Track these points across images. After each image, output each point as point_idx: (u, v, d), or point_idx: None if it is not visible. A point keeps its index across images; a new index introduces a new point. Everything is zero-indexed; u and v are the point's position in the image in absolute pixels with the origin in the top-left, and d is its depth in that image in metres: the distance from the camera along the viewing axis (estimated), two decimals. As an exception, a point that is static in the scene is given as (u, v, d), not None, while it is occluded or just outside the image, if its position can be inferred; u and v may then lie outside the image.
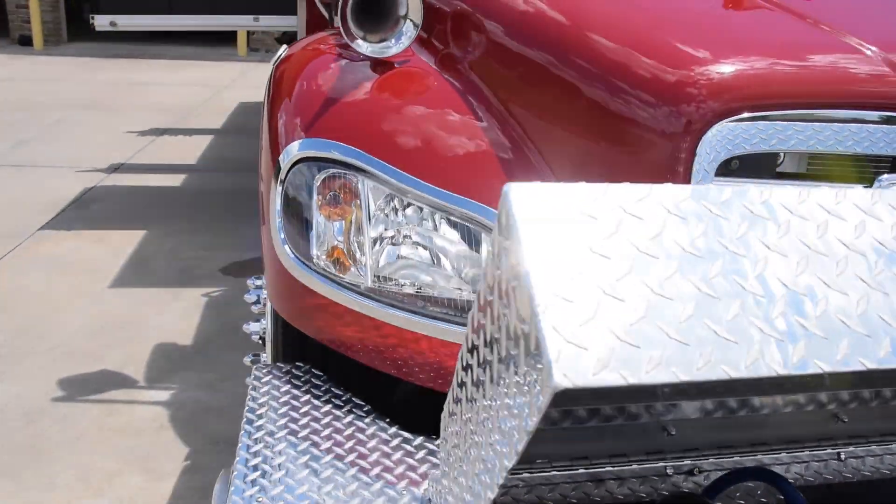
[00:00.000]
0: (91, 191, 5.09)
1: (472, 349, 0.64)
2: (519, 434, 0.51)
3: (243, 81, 10.78)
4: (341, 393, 1.27)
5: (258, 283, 2.15)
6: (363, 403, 1.24)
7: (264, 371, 1.33)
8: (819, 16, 1.13)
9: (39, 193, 4.93)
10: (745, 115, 0.98)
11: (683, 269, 0.51)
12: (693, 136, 1.00)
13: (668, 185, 0.55)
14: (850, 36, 1.08)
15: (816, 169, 1.07)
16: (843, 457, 0.98)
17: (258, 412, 1.19)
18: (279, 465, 1.06)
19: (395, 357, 1.18)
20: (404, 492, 1.01)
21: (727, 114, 0.99)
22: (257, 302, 2.08)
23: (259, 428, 1.14)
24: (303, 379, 1.30)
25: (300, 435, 1.13)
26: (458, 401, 0.73)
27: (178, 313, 3.41)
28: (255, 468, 1.05)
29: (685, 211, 0.53)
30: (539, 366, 0.47)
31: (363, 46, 1.31)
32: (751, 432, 0.99)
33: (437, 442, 1.09)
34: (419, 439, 1.14)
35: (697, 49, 1.05)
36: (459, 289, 1.17)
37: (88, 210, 4.72)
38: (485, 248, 1.18)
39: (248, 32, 11.67)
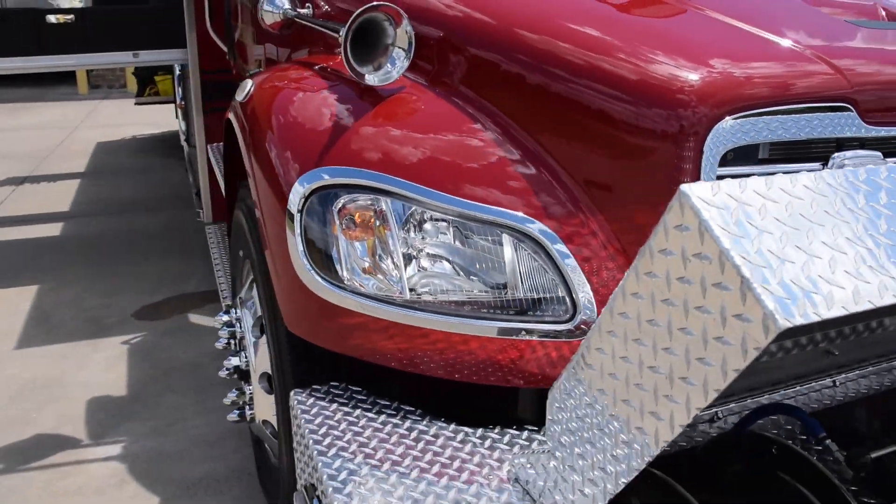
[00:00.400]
0: (-40, 249, 4.67)
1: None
2: (718, 378, 0.65)
3: (94, 121, 10.17)
4: (388, 402, 1.34)
5: (226, 318, 2.14)
6: (412, 409, 1.33)
7: (305, 395, 1.37)
8: (773, 28, 1.37)
9: None
10: (738, 115, 1.19)
11: (833, 230, 0.67)
12: (700, 135, 1.19)
13: (807, 174, 0.72)
14: (804, 46, 1.33)
15: (777, 153, 1.29)
16: (837, 383, 1.20)
17: (321, 433, 1.24)
18: (367, 479, 1.12)
19: (446, 360, 1.27)
20: (490, 481, 1.12)
21: (724, 115, 1.19)
22: (233, 337, 2.08)
23: (331, 447, 1.20)
24: (346, 396, 1.37)
25: (371, 446, 1.20)
26: (586, 371, 0.85)
27: (101, 365, 3.24)
28: (344, 484, 1.11)
29: (824, 190, 0.70)
30: (754, 316, 0.61)
31: (370, 79, 1.39)
32: (768, 375, 1.19)
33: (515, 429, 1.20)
34: (479, 430, 1.25)
35: (698, 63, 1.25)
36: (493, 288, 1.29)
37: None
38: (508, 248, 1.30)
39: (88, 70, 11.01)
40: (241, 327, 2.05)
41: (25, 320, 3.67)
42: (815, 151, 1.29)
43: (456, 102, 1.47)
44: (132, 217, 5.46)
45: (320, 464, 1.16)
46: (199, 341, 3.48)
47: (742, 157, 1.24)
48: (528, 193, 1.31)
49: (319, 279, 1.34)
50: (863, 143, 1.33)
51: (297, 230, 1.36)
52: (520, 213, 1.28)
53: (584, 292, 1.26)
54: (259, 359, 1.91)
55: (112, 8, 4.18)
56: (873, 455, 1.11)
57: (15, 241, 4.90)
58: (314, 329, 1.40)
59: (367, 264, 1.34)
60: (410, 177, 1.33)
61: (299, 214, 1.37)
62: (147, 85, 7.43)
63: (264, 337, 1.88)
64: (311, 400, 1.35)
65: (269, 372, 1.86)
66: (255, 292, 1.98)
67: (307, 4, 1.86)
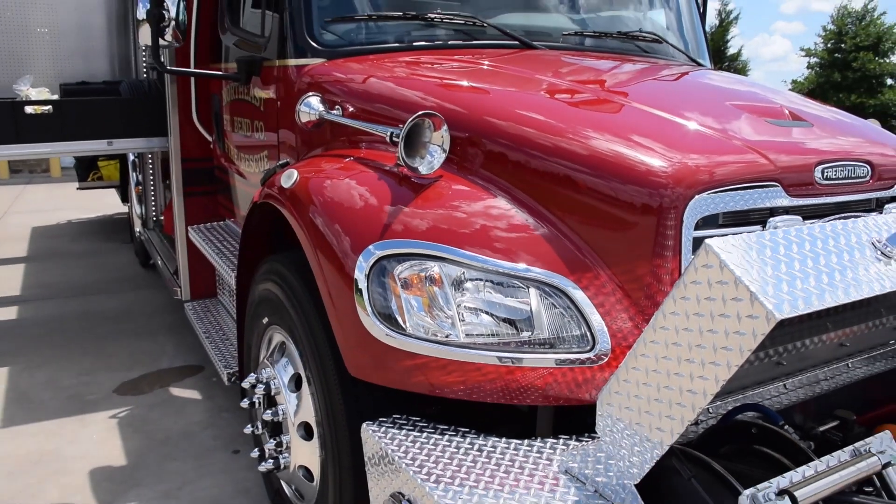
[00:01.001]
0: (-84, 336, 4.62)
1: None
2: (737, 357, 1.03)
3: (22, 206, 10.06)
4: (446, 426, 1.66)
5: (253, 379, 2.38)
6: (467, 429, 1.65)
7: (376, 426, 1.66)
8: (720, 129, 1.85)
9: None
10: (704, 194, 1.64)
11: (799, 263, 1.07)
12: (677, 207, 1.62)
13: (785, 227, 1.14)
14: (743, 141, 1.81)
15: (729, 220, 1.74)
16: (787, 387, 1.62)
17: (401, 450, 1.54)
18: (453, 480, 1.42)
19: (495, 388, 1.60)
20: (546, 474, 1.45)
21: (696, 194, 1.63)
22: (263, 396, 2.32)
23: (414, 460, 1.49)
24: (410, 424, 1.67)
25: (447, 456, 1.51)
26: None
27: (93, 439, 3.34)
28: (437, 484, 1.42)
29: (794, 234, 1.11)
30: (760, 314, 0.99)
31: (420, 170, 1.76)
32: (740, 381, 1.59)
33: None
34: (525, 441, 1.57)
35: (676, 157, 1.69)
36: (528, 329, 1.64)
37: (-75, 356, 4.30)
38: (535, 298, 1.67)
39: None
40: (273, 386, 2.30)
41: (4, 401, 3.71)
42: (756, 217, 1.75)
43: (481, 184, 1.86)
44: (88, 300, 5.50)
45: (411, 472, 1.46)
46: (185, 412, 3.62)
47: (707, 223, 1.68)
48: (550, 254, 1.70)
49: (387, 329, 1.66)
50: (787, 211, 1.80)
51: (365, 292, 1.69)
52: (546, 270, 1.66)
53: (601, 328, 1.63)
54: (297, 410, 2.17)
55: (88, 100, 4.42)
56: (820, 429, 1.50)
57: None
58: (380, 372, 1.71)
59: (424, 316, 1.67)
60: (453, 244, 1.70)
61: (366, 279, 1.69)
62: (90, 170, 7.53)
63: (302, 391, 2.15)
64: (383, 429, 1.65)
65: (309, 420, 2.12)
66: (289, 352, 2.25)
67: (336, 107, 2.23)
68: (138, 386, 3.95)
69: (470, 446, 1.57)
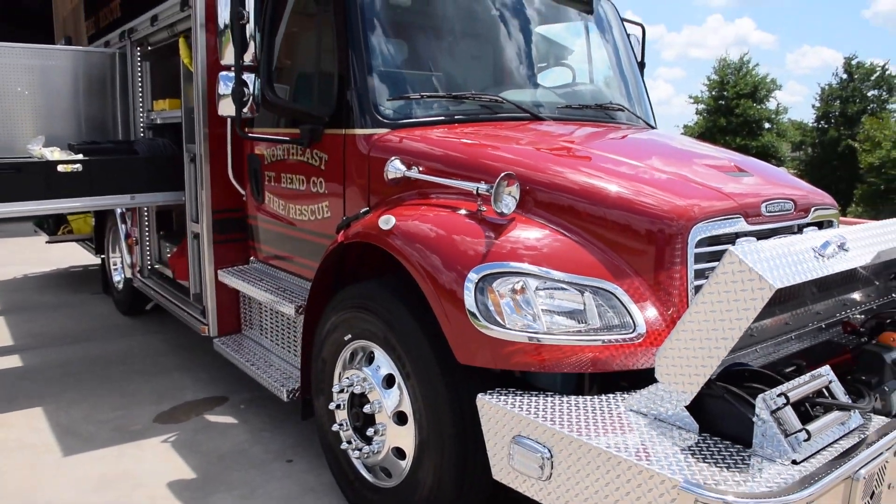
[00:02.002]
0: (-66, 386, 4.82)
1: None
2: (752, 313, 1.78)
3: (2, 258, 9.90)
4: (535, 393, 2.34)
5: (346, 382, 2.98)
6: (552, 392, 2.34)
7: (490, 396, 2.32)
8: (700, 179, 2.68)
9: None
10: (699, 224, 2.44)
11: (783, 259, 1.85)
12: (682, 232, 2.41)
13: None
14: (719, 189, 2.64)
15: (713, 242, 2.54)
16: (758, 350, 2.41)
17: (530, 413, 2.20)
18: (570, 428, 2.11)
19: (572, 362, 2.30)
20: (623, 412, 2.15)
21: (694, 225, 2.42)
22: (353, 395, 2.92)
23: (540, 418, 2.16)
24: (515, 393, 2.34)
25: (556, 410, 2.19)
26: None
27: (156, 459, 3.76)
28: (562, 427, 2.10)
29: (774, 245, 1.89)
30: (764, 286, 1.74)
31: (504, 213, 2.47)
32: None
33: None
34: (601, 395, 2.28)
35: (680, 200, 2.48)
36: (592, 319, 2.36)
37: (-45, 402, 4.54)
38: (590, 298, 2.39)
39: None
40: (363, 387, 2.91)
41: (53, 436, 4.04)
42: (727, 239, 2.56)
43: (541, 221, 2.59)
44: (85, 346, 5.78)
45: (531, 418, 2.13)
46: (228, 434, 4.09)
47: (701, 244, 2.47)
48: (599, 267, 2.43)
49: (491, 326, 2.34)
50: (746, 234, 2.63)
51: (473, 302, 2.36)
52: (598, 278, 2.41)
53: (638, 317, 2.37)
54: (391, 403, 2.79)
55: (113, 159, 4.88)
56: (786, 370, 2.28)
57: (-17, 374, 5.10)
58: (486, 358, 2.36)
59: (515, 315, 2.37)
60: (531, 263, 2.41)
61: (473, 293, 2.37)
62: (60, 224, 7.74)
63: (395, 387, 2.78)
64: (496, 396, 2.31)
65: (404, 409, 2.75)
66: (379, 359, 2.87)
67: (413, 167, 2.90)
68: (174, 416, 4.37)
69: (559, 401, 2.26)
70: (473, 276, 2.39)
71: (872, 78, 25.57)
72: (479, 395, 2.36)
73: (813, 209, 2.96)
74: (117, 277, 6.97)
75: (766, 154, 24.30)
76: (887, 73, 25.48)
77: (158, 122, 5.70)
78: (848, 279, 2.93)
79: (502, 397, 2.31)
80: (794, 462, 1.83)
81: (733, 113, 24.79)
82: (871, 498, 1.91)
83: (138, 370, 5.18)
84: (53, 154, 5.03)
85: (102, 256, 7.41)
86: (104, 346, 5.80)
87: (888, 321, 2.72)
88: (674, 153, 3.25)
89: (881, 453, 1.94)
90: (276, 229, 4.01)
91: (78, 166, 4.65)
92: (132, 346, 5.79)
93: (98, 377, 5.01)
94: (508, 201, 2.53)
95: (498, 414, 2.26)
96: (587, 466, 1.97)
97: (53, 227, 7.78)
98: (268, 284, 3.97)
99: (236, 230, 4.45)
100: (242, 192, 4.29)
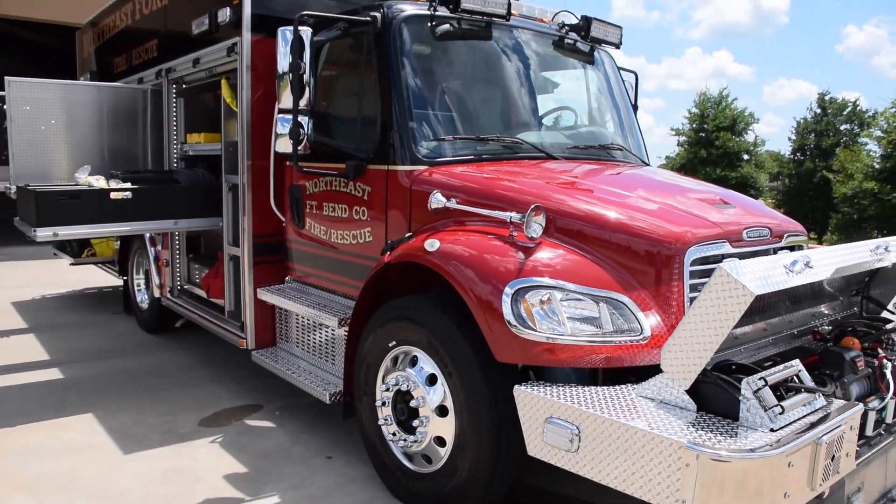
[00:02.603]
0: (-11, 395, 5.22)
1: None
2: (735, 318, 2.29)
3: (5, 280, 10.22)
4: (563, 384, 2.85)
5: (393, 381, 3.47)
6: (576, 384, 2.84)
7: (526, 387, 2.82)
8: (693, 210, 3.22)
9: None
10: (692, 247, 2.98)
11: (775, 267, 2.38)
12: (680, 253, 2.95)
13: (755, 259, 2.44)
14: (706, 218, 3.19)
15: (703, 263, 3.08)
16: (742, 350, 2.94)
17: (559, 397, 2.71)
18: (599, 409, 2.63)
19: (591, 359, 2.82)
20: (635, 398, 2.66)
21: (688, 249, 2.97)
22: (398, 393, 3.41)
23: (568, 400, 2.67)
24: (544, 385, 2.84)
25: (583, 397, 2.70)
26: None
27: (209, 457, 4.19)
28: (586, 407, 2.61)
29: (749, 264, 2.41)
30: (741, 296, 2.27)
31: (534, 237, 3.00)
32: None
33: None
34: (617, 386, 2.79)
35: (677, 229, 3.03)
36: (602, 325, 2.88)
37: (1, 409, 4.93)
38: (604, 307, 2.92)
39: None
40: (407, 386, 3.40)
41: (110, 438, 4.46)
42: (715, 259, 3.10)
43: (563, 244, 3.12)
44: (118, 361, 6.18)
45: (560, 400, 2.63)
46: (269, 436, 4.53)
47: (693, 263, 3.01)
48: (611, 282, 2.96)
49: (525, 330, 2.86)
50: (731, 256, 3.17)
51: (510, 311, 2.87)
52: (612, 291, 2.94)
53: (645, 323, 2.90)
54: (434, 398, 3.28)
55: (159, 188, 5.37)
56: (764, 364, 2.81)
57: (27, 384, 5.49)
58: (521, 356, 2.87)
59: (544, 321, 2.88)
60: (557, 278, 2.94)
61: (510, 303, 2.88)
62: (84, 247, 8.17)
63: (437, 385, 3.27)
64: (531, 387, 2.81)
65: (445, 404, 3.24)
66: (422, 361, 3.36)
67: (451, 199, 3.43)
68: (216, 421, 4.81)
69: (580, 390, 2.77)
70: (509, 290, 2.91)
71: (845, 113, 26.73)
72: (516, 387, 2.86)
73: (786, 235, 3.53)
74: (141, 298, 7.40)
75: (746, 184, 25.14)
76: (858, 108, 26.68)
77: (191, 153, 6.21)
78: (816, 295, 3.49)
79: (535, 387, 2.82)
80: (771, 430, 2.35)
81: (713, 145, 25.69)
82: (832, 460, 2.43)
83: (174, 382, 5.60)
84: (99, 182, 5.52)
85: (125, 278, 7.84)
86: (136, 360, 6.22)
87: (849, 329, 3.27)
88: (669, 188, 3.82)
89: (840, 426, 2.47)
90: (315, 252, 4.51)
91: (128, 194, 5.14)
92: (162, 361, 6.21)
93: (138, 388, 5.43)
94: (536, 228, 3.07)
95: (532, 400, 2.77)
96: (610, 437, 2.48)
97: (77, 250, 8.22)
98: (307, 300, 4.45)
99: (274, 253, 4.93)
100: (283, 218, 4.79)
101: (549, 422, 2.69)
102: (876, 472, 2.90)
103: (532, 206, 3.03)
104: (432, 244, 3.25)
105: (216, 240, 6.50)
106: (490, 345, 2.96)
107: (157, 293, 6.65)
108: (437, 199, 3.43)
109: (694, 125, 27.14)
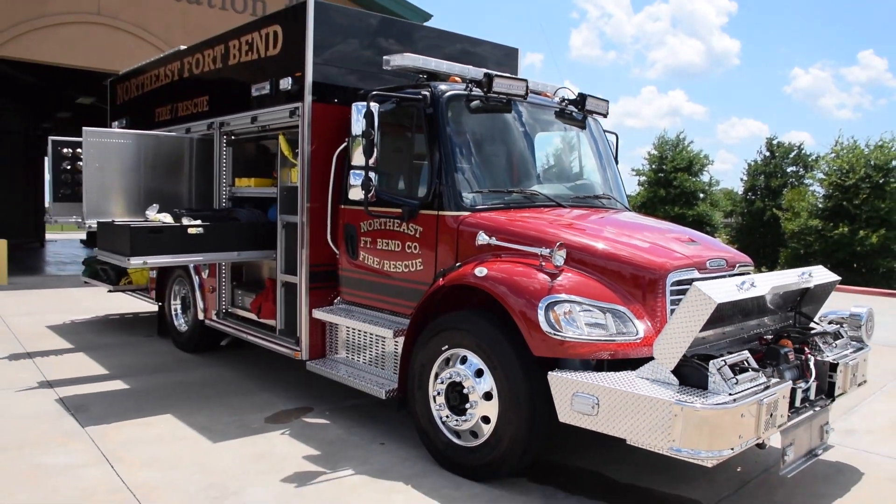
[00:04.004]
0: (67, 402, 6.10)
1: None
2: (700, 323, 3.42)
3: (9, 309, 10.91)
4: (583, 369, 3.96)
5: (448, 375, 4.55)
6: (596, 370, 3.96)
7: (559, 372, 3.93)
8: (670, 244, 4.39)
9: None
10: (671, 273, 4.14)
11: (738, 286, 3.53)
12: (663, 277, 4.10)
13: (739, 280, 3.58)
14: (680, 251, 4.38)
15: (681, 286, 4.24)
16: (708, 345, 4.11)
17: (583, 377, 3.82)
18: (628, 386, 3.75)
19: (601, 353, 3.93)
20: (639, 377, 3.79)
21: (668, 275, 4.12)
22: (451, 384, 4.49)
23: (591, 379, 3.78)
24: (571, 372, 3.95)
25: (600, 378, 3.81)
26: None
27: (283, 444, 5.15)
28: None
29: (721, 283, 3.54)
30: (707, 304, 3.40)
31: (559, 265, 4.13)
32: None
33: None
34: (623, 372, 3.91)
35: (660, 260, 4.18)
36: (608, 328, 4.01)
37: (90, 411, 5.83)
38: (609, 315, 4.05)
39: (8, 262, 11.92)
40: (458, 378, 4.46)
41: (195, 431, 5.38)
42: (688, 283, 4.24)
43: (579, 270, 4.26)
44: (169, 375, 7.06)
45: (585, 379, 3.74)
46: (328, 430, 5.51)
47: (673, 285, 4.17)
48: (614, 297, 4.11)
49: (554, 332, 3.96)
50: (699, 279, 4.35)
51: (543, 319, 3.98)
52: (615, 304, 4.08)
53: (639, 327, 4.03)
54: (481, 387, 4.36)
55: (224, 224, 6.39)
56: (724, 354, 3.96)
57: (101, 392, 6.36)
58: (552, 351, 3.97)
59: (568, 326, 4.00)
60: (576, 294, 4.07)
61: (543, 313, 3.99)
62: (121, 276, 9.06)
63: (483, 377, 4.35)
64: (562, 372, 3.92)
65: (490, 390, 4.32)
66: (470, 361, 4.43)
67: (492, 237, 4.54)
68: (279, 419, 5.78)
69: (595, 373, 3.88)
70: (542, 304, 4.03)
71: (791, 156, 28.95)
72: (550, 373, 3.96)
73: (737, 265, 4.74)
74: (178, 321, 8.31)
75: (702, 221, 26.83)
76: (803, 152, 28.93)
77: (238, 195, 7.25)
78: (762, 310, 4.68)
79: (564, 373, 3.93)
80: (729, 394, 3.50)
81: (671, 185, 27.44)
82: (771, 416, 3.58)
83: (228, 391, 6.54)
84: (166, 219, 6.54)
85: (160, 304, 8.74)
86: (185, 374, 7.12)
87: (784, 334, 4.47)
88: (651, 229, 5.01)
89: (775, 394, 3.63)
90: (367, 278, 5.57)
91: (201, 229, 6.15)
92: (208, 375, 7.12)
93: (199, 395, 6.35)
94: (559, 259, 4.21)
95: (563, 381, 3.88)
96: (620, 402, 3.60)
97: (115, 278, 9.10)
98: (362, 317, 5.51)
99: (326, 279, 5.97)
100: (337, 251, 5.85)
101: (576, 395, 3.80)
102: (803, 434, 4.08)
103: (557, 243, 4.18)
104: (481, 271, 4.37)
105: (257, 269, 7.54)
106: (529, 344, 4.06)
107: (200, 316, 7.59)
108: (483, 238, 4.56)
109: (653, 166, 28.92)
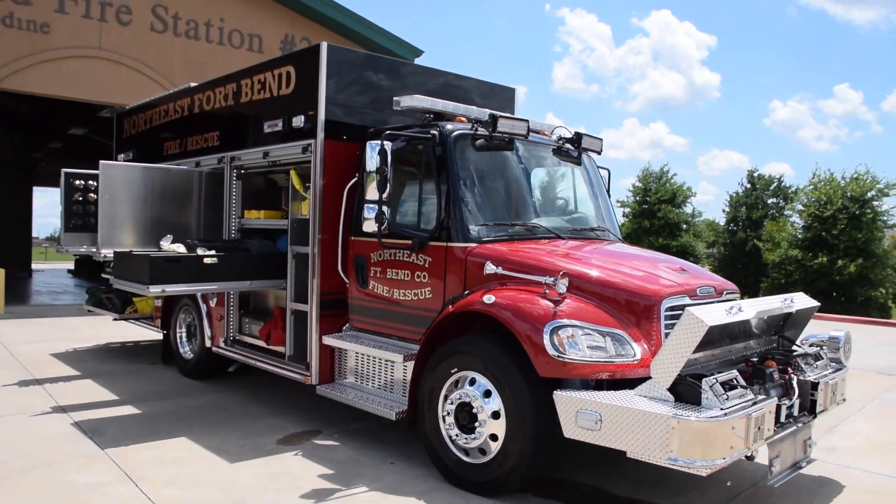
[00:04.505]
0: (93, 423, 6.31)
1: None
2: (693, 346, 3.76)
3: (10, 338, 11.05)
4: (594, 389, 4.28)
5: (458, 397, 4.85)
6: (591, 391, 4.28)
7: (565, 392, 4.24)
8: (663, 272, 4.75)
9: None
10: (665, 298, 4.50)
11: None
12: (658, 303, 4.46)
13: (728, 305, 3.93)
14: (673, 279, 4.73)
15: (674, 311, 4.59)
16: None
17: (586, 396, 4.14)
18: (633, 404, 4.08)
19: (601, 373, 4.26)
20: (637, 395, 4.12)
21: (663, 300, 4.48)
22: (461, 405, 4.79)
23: (594, 397, 4.11)
24: (579, 390, 4.27)
25: (603, 397, 4.14)
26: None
27: (298, 464, 5.39)
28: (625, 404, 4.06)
29: (713, 308, 3.90)
30: (700, 327, 3.74)
31: (562, 292, 4.46)
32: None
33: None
34: (623, 391, 4.23)
35: (655, 287, 4.55)
36: (607, 349, 4.34)
37: (106, 434, 6.04)
38: (609, 338, 4.39)
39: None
40: (467, 399, 4.76)
41: (211, 453, 5.61)
42: (680, 309, 4.59)
43: (580, 297, 4.61)
44: (177, 401, 7.25)
45: (587, 397, 4.06)
46: (338, 451, 5.76)
47: (667, 310, 4.53)
48: (613, 321, 4.45)
49: (558, 354, 4.29)
50: (690, 305, 4.70)
51: (549, 343, 4.31)
52: (613, 328, 4.41)
53: (637, 349, 4.36)
54: (490, 407, 4.66)
55: (236, 255, 6.69)
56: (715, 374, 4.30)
57: (114, 417, 6.57)
58: (556, 371, 4.29)
59: (571, 348, 4.32)
60: (577, 319, 4.41)
61: (548, 337, 4.33)
62: (126, 305, 9.29)
63: (492, 397, 4.65)
64: (566, 391, 4.23)
65: (498, 409, 4.62)
66: (479, 382, 4.74)
67: (499, 267, 4.88)
68: (290, 441, 6.02)
69: (596, 392, 4.21)
70: (547, 328, 4.36)
71: (771, 188, 29.81)
72: (556, 392, 4.28)
73: (724, 292, 5.11)
74: (184, 349, 8.53)
75: (685, 252, 27.38)
76: (783, 184, 29.83)
77: (247, 227, 7.57)
78: (748, 334, 5.03)
79: (568, 392, 4.25)
80: (720, 409, 3.83)
81: (655, 216, 28.04)
82: (759, 430, 3.92)
83: (237, 415, 6.77)
84: (179, 249, 6.83)
85: (164, 332, 8.96)
86: (193, 400, 7.33)
87: (769, 356, 4.83)
88: (646, 259, 5.38)
89: (762, 409, 3.97)
90: (376, 306, 5.88)
91: (216, 259, 6.45)
92: (215, 400, 7.35)
93: (209, 420, 6.57)
94: (563, 287, 4.55)
95: (568, 399, 4.19)
96: (621, 417, 3.92)
97: (121, 307, 9.32)
98: (372, 343, 5.81)
99: (335, 307, 6.27)
100: (346, 280, 6.16)
101: (580, 412, 4.12)
102: (788, 447, 4.41)
103: (560, 273, 4.53)
104: (489, 298, 4.71)
105: (263, 298, 7.82)
106: (535, 366, 4.38)
107: (208, 343, 7.84)
108: (490, 267, 4.90)
109: (637, 198, 29.56)
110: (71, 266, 31.06)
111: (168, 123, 9.02)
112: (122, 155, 10.25)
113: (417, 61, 19.21)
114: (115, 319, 9.47)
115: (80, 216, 8.75)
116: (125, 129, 10.41)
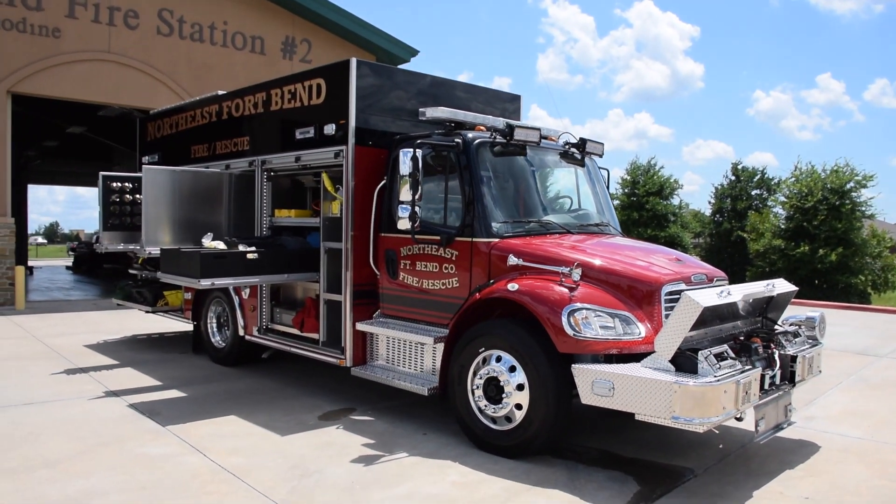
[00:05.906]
0: (147, 404, 6.97)
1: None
2: (687, 324, 4.50)
3: (41, 331, 11.66)
4: (606, 360, 5.02)
5: (485, 372, 5.58)
6: (604, 362, 5.01)
7: (582, 364, 4.97)
8: (662, 262, 5.47)
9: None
10: (665, 284, 5.23)
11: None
12: (659, 289, 5.19)
13: (723, 289, 4.67)
14: (670, 267, 5.47)
15: (671, 297, 5.32)
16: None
17: (601, 367, 4.87)
18: (643, 372, 4.81)
19: (612, 349, 4.99)
20: (645, 366, 4.85)
21: (664, 286, 5.21)
22: (488, 379, 5.52)
23: (609, 369, 4.84)
24: (594, 364, 5.00)
25: (615, 368, 4.87)
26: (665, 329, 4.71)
27: (341, 436, 6.09)
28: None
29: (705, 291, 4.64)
30: (696, 308, 4.47)
31: (577, 280, 5.18)
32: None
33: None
34: (630, 363, 4.96)
35: (655, 274, 5.27)
36: (617, 328, 5.07)
37: (162, 414, 6.71)
38: (618, 319, 5.12)
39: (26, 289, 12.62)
40: (495, 373, 5.48)
41: (262, 428, 6.29)
42: (678, 294, 5.34)
43: (593, 284, 5.33)
44: (214, 385, 7.91)
45: (602, 368, 4.79)
46: (373, 425, 6.44)
47: (666, 294, 5.27)
48: (621, 305, 5.17)
49: (575, 332, 5.01)
50: (685, 290, 5.43)
51: (567, 324, 5.03)
52: (622, 311, 5.14)
53: (641, 329, 5.08)
54: (515, 380, 5.38)
55: (276, 250, 7.37)
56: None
57: (164, 399, 7.22)
58: (573, 348, 5.01)
59: (585, 327, 5.05)
60: (591, 303, 5.13)
61: (566, 318, 5.04)
62: (158, 298, 9.92)
63: (516, 372, 5.37)
64: (581, 363, 4.96)
65: (522, 382, 5.34)
66: (505, 359, 5.46)
67: (520, 259, 5.59)
68: (329, 417, 6.72)
69: (608, 365, 4.94)
70: (565, 311, 5.09)
71: (755, 180, 30.79)
72: (574, 365, 5.01)
73: (715, 279, 5.87)
74: (216, 339, 9.19)
75: (673, 242, 28.23)
76: (766, 176, 30.77)
77: (277, 225, 8.23)
78: (736, 316, 5.78)
79: (585, 364, 4.99)
80: (714, 377, 4.58)
81: (644, 208, 28.86)
82: (746, 394, 4.67)
83: (275, 396, 7.45)
84: (219, 245, 7.49)
85: (195, 323, 9.60)
86: (230, 384, 8.00)
87: (754, 334, 5.59)
88: (645, 250, 6.12)
89: (748, 377, 4.72)
90: (406, 294, 6.58)
91: (256, 255, 7.12)
92: (251, 384, 8.02)
93: (252, 400, 7.25)
94: (577, 275, 5.28)
95: (585, 371, 4.93)
96: (631, 384, 4.65)
97: (152, 300, 9.96)
98: (403, 328, 6.51)
99: (367, 297, 6.96)
100: (378, 272, 6.86)
101: (595, 382, 4.85)
102: (771, 411, 5.18)
103: (574, 263, 5.26)
104: (513, 286, 5.43)
105: (292, 289, 8.50)
106: (555, 344, 5.11)
107: (241, 332, 8.51)
108: (513, 259, 5.62)
109: (626, 190, 30.40)
110: (69, 262, 31.47)
111: (196, 128, 9.63)
112: (147, 157, 10.84)
113: (414, 60, 19.87)
114: (148, 312, 10.09)
115: (117, 216, 9.37)
116: (149, 133, 11.01)
